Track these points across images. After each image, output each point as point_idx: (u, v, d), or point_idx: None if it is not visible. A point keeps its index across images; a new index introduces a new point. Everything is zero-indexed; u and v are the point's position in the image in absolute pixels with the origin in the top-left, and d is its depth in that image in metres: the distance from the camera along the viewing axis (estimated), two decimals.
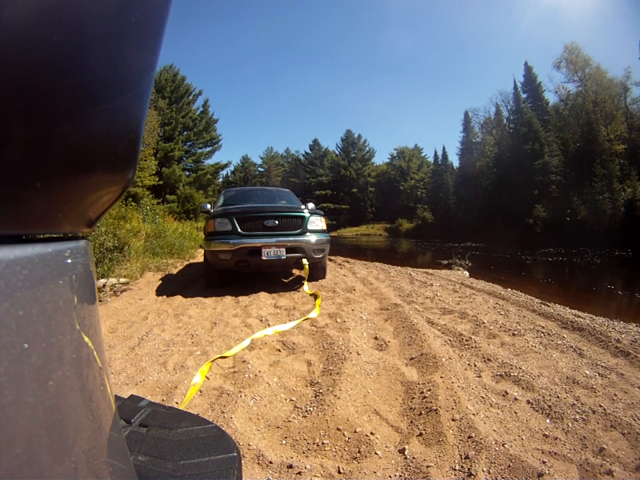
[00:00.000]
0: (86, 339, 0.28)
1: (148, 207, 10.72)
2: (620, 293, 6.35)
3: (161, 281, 4.65)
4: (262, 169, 57.17)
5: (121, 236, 5.24)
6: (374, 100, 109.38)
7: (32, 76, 0.19)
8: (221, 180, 37.81)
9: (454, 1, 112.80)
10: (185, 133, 27.31)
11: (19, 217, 0.22)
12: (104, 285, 4.05)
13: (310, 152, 53.99)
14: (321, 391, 1.45)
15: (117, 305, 3.30)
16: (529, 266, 9.65)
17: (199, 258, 7.38)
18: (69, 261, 0.27)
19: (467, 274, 5.96)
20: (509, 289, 4.24)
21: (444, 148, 46.09)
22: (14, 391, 0.19)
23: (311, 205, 4.58)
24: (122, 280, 4.44)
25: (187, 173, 26.79)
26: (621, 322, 3.00)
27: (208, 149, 29.66)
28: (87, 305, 0.30)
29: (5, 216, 0.21)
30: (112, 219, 5.53)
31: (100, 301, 3.49)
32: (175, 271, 5.61)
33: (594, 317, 3.03)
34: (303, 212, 3.95)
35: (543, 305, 3.21)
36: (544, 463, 1.09)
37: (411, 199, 44.96)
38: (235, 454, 0.62)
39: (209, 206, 4.66)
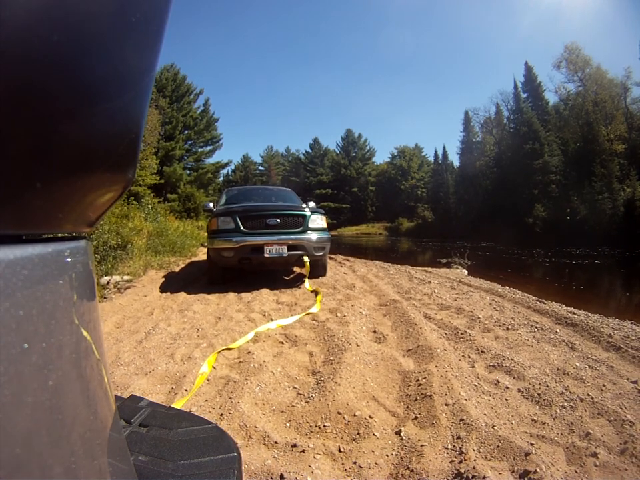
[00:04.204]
0: (86, 339, 0.29)
1: (149, 206, 10.79)
2: (619, 292, 6.41)
3: (164, 279, 4.72)
4: (262, 168, 57.22)
5: (123, 234, 5.29)
6: (374, 99, 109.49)
7: (32, 76, 0.19)
8: (221, 179, 37.94)
9: (455, 1, 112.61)
10: (186, 131, 27.34)
11: (19, 217, 0.22)
12: (108, 282, 4.11)
13: (310, 151, 54.04)
14: (322, 379, 1.53)
15: (122, 302, 3.37)
16: (529, 265, 9.67)
17: (201, 256, 7.45)
18: (69, 260, 0.27)
19: (466, 272, 6.03)
20: (507, 287, 4.27)
21: (444, 147, 46.45)
22: (14, 391, 0.19)
23: (311, 204, 4.66)
24: (125, 277, 4.49)
25: (188, 172, 26.80)
26: (616, 319, 3.02)
27: (209, 147, 29.74)
28: (87, 305, 0.30)
29: (5, 216, 0.21)
30: (115, 217, 5.59)
31: (104, 297, 3.55)
32: (177, 269, 5.69)
33: (589, 314, 3.05)
34: (304, 211, 4.03)
35: (538, 302, 3.27)
36: (532, 444, 1.15)
37: (411, 198, 45.01)
38: (235, 454, 0.63)
39: (211, 205, 4.74)
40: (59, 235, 0.30)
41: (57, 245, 0.26)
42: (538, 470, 1.02)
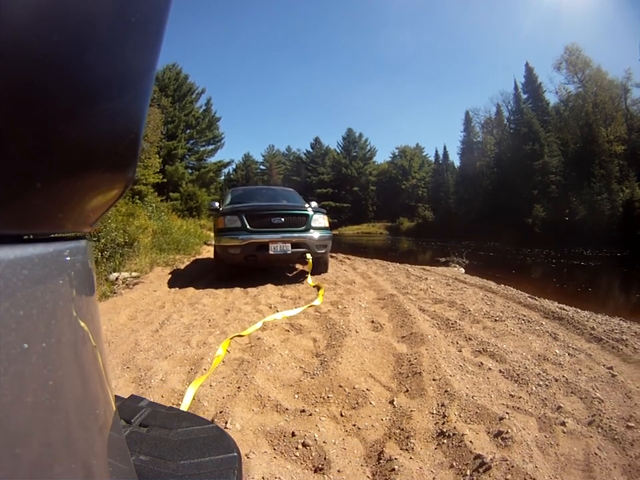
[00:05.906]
0: (86, 339, 0.29)
1: (153, 205, 10.97)
2: (618, 291, 6.49)
3: (170, 275, 4.91)
4: (263, 167, 57.43)
5: (130, 232, 5.48)
6: (375, 99, 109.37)
7: (32, 76, 0.19)
8: (223, 178, 38.14)
9: (455, 1, 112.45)
10: (188, 131, 27.51)
11: (19, 217, 0.22)
12: (117, 279, 4.30)
13: (311, 150, 54.20)
14: (325, 359, 1.72)
15: (133, 296, 3.55)
16: (527, 265, 9.68)
17: (204, 254, 7.65)
18: (69, 260, 0.27)
19: (463, 271, 6.21)
20: (502, 285, 4.37)
21: (445, 147, 46.55)
22: (14, 391, 0.19)
23: (314, 204, 4.87)
24: (133, 274, 4.67)
25: (190, 171, 26.98)
26: (606, 315, 3.08)
27: (210, 147, 29.87)
28: (87, 305, 0.30)
29: (5, 216, 0.21)
30: (121, 215, 5.78)
31: (114, 293, 3.74)
32: (182, 266, 5.88)
33: (579, 310, 3.12)
34: (307, 210, 4.23)
35: (530, 298, 3.40)
36: (507, 413, 1.32)
37: (411, 197, 45.17)
38: (235, 454, 0.63)
39: (217, 204, 4.94)
40: (59, 234, 0.30)
41: (57, 245, 0.26)
42: (509, 431, 1.20)
